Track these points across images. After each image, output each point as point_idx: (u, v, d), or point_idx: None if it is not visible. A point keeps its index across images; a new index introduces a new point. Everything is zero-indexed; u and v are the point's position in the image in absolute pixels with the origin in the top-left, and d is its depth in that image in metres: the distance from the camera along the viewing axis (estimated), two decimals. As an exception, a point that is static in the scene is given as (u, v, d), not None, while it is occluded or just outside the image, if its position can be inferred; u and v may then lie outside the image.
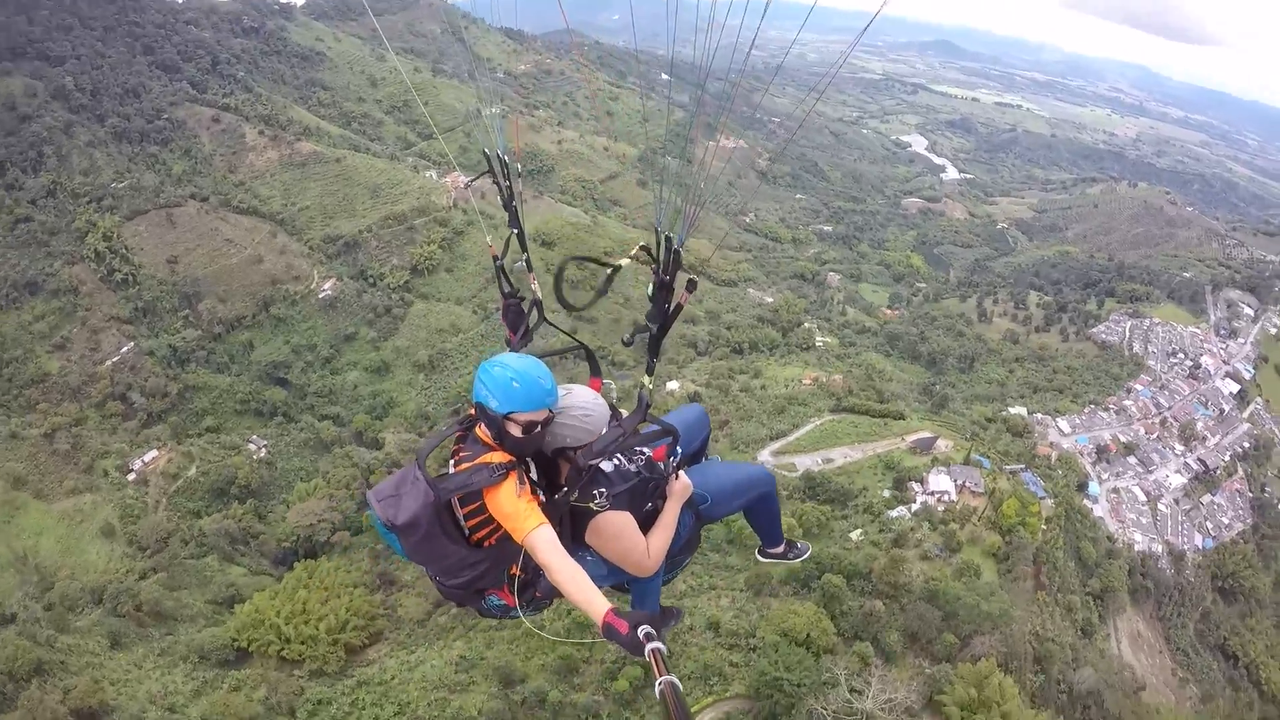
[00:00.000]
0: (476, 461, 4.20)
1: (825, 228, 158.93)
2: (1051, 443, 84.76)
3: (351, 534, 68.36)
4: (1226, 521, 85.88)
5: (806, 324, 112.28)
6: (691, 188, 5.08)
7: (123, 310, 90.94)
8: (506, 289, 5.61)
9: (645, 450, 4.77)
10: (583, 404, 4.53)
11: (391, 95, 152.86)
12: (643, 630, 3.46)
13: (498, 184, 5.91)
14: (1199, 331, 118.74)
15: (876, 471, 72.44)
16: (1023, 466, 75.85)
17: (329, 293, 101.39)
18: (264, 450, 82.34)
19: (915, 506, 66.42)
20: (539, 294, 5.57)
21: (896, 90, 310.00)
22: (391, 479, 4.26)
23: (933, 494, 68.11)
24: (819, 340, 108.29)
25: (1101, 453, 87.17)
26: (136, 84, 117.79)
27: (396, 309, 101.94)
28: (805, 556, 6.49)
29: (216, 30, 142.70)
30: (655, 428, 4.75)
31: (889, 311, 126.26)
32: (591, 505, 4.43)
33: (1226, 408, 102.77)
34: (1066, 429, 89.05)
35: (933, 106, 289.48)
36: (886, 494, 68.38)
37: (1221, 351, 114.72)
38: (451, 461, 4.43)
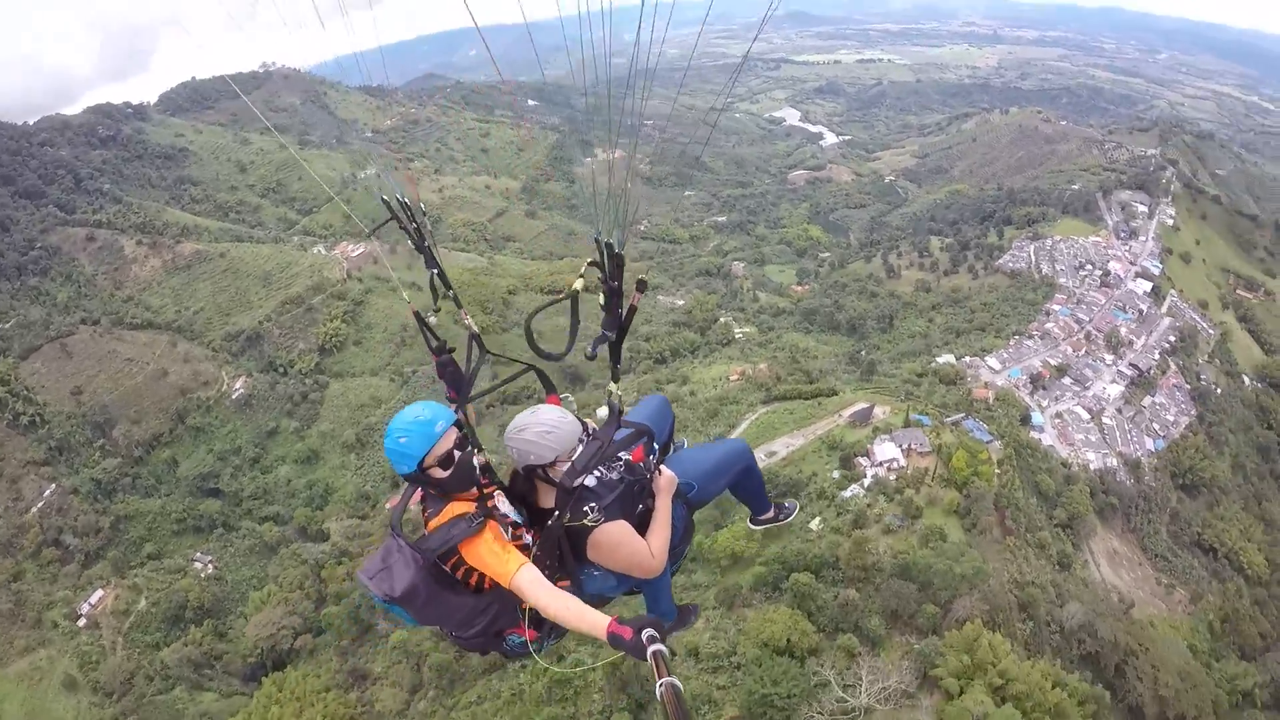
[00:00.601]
0: (446, 516, 4.43)
1: (719, 219, 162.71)
2: (985, 383, 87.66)
3: (314, 636, 68.86)
4: (1172, 419, 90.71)
5: (722, 319, 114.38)
6: (621, 192, 5.33)
7: (37, 453, 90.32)
8: (434, 344, 5.55)
9: (623, 455, 4.96)
10: (546, 421, 4.64)
11: (263, 178, 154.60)
12: (646, 633, 3.67)
13: (404, 229, 5.90)
14: (1100, 239, 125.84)
15: (821, 454, 73.46)
16: (963, 415, 78.26)
17: (242, 391, 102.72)
18: (210, 566, 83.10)
19: (867, 481, 67.56)
20: (474, 327, 5.68)
21: (760, 69, 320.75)
22: (376, 555, 4.38)
23: (881, 464, 69.31)
24: (738, 332, 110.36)
25: (1036, 381, 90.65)
26: (2, 217, 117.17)
27: (313, 394, 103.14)
28: (795, 513, 6.86)
29: (73, 146, 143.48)
30: (629, 431, 5.06)
31: (799, 288, 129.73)
32: (586, 522, 4.57)
33: (1144, 308, 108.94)
34: (997, 366, 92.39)
35: (798, 77, 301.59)
36: (836, 475, 69.29)
37: (1127, 254, 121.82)
38: (424, 521, 4.61)
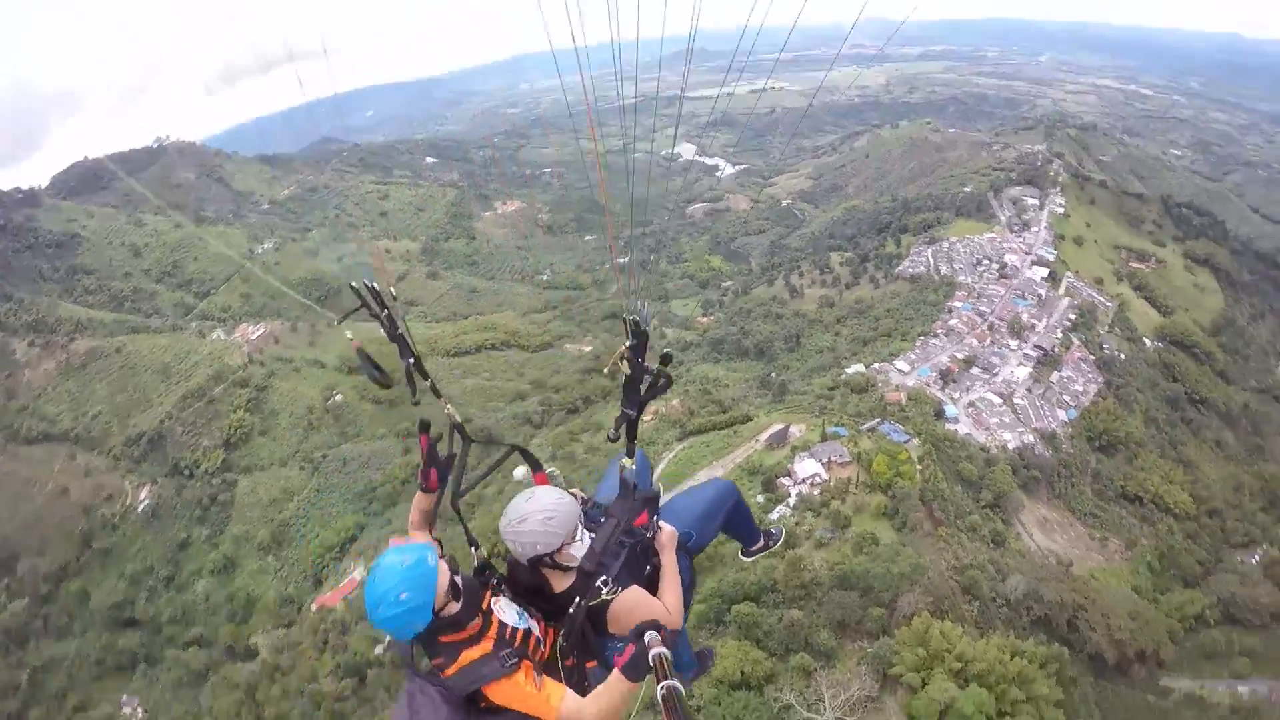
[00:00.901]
0: (465, 661, 4.23)
1: (621, 260, 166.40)
2: (897, 386, 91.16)
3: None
4: (1080, 389, 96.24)
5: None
6: (645, 269, 6.29)
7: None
8: (377, 376, 5.49)
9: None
10: (546, 506, 4.61)
11: (159, 260, 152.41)
12: (647, 635, 3.91)
13: (377, 318, 5.58)
14: (995, 235, 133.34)
15: (742, 481, 73.85)
16: (878, 420, 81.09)
17: (148, 502, 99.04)
18: (140, 711, 79.01)
19: (792, 500, 69.55)
20: (457, 417, 5.55)
21: (656, 107, 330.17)
22: (400, 707, 4.10)
23: (804, 481, 71.42)
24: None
25: (946, 376, 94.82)
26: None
27: (222, 495, 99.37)
28: (782, 536, 7.12)
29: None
30: (637, 502, 5.15)
31: (705, 319, 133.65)
32: (603, 596, 4.61)
33: (1043, 292, 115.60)
34: (906, 368, 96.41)
35: (693, 113, 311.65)
36: (760, 499, 70.59)
37: (1022, 245, 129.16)
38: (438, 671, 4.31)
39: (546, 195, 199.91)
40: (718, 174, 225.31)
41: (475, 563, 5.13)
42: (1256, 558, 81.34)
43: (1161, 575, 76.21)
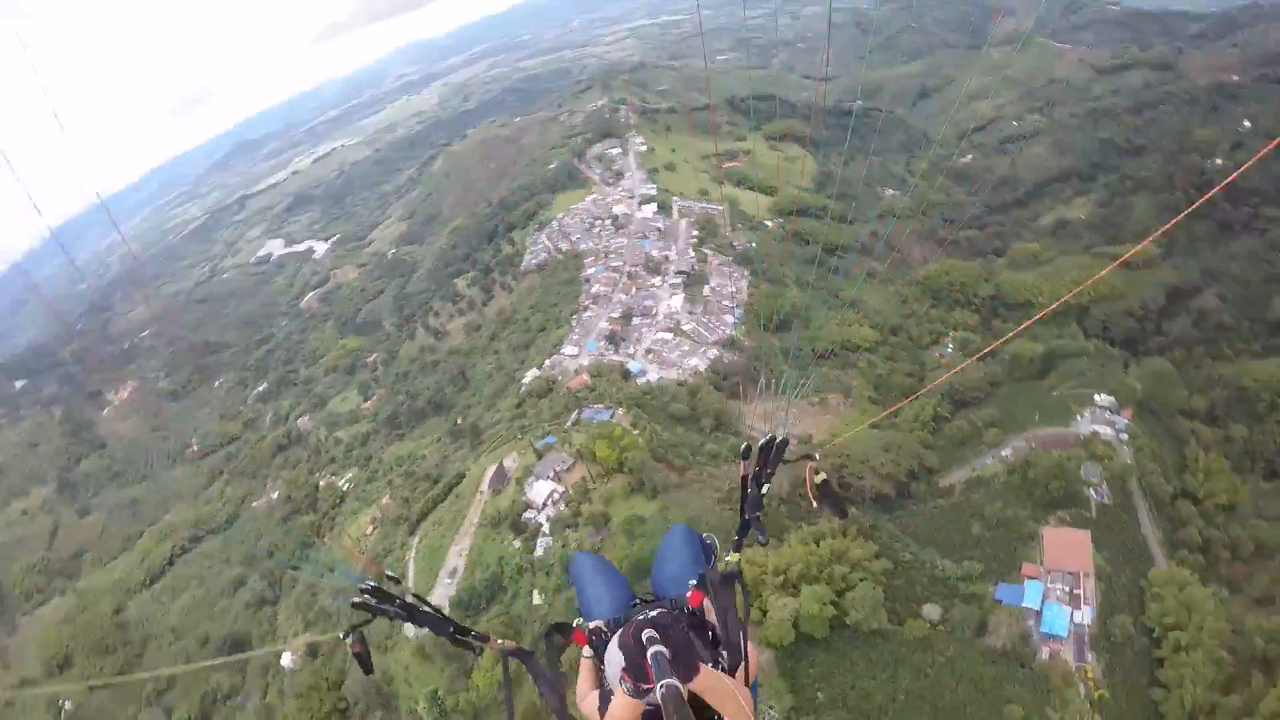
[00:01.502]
0: None
1: (260, 387, 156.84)
2: (575, 370, 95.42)
3: None
4: (734, 288, 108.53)
5: (322, 482, 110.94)
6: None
7: None
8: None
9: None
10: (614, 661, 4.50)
11: None
12: (646, 634, 4.04)
13: (391, 614, 5.46)
14: (595, 194, 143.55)
15: (492, 537, 74.00)
16: (576, 411, 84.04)
17: None
18: None
19: (546, 529, 70.46)
20: (510, 645, 5.88)
21: (227, 217, 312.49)
22: None
23: (545, 505, 72.37)
24: (344, 483, 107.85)
25: (613, 339, 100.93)
26: None
27: None
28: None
29: None
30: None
31: (369, 404, 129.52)
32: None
33: (661, 225, 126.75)
34: (574, 350, 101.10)
35: (265, 206, 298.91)
36: (517, 545, 70.79)
37: (624, 193, 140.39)
38: None
39: (154, 361, 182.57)
40: (314, 256, 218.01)
41: None
42: (950, 347, 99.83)
43: (887, 400, 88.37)
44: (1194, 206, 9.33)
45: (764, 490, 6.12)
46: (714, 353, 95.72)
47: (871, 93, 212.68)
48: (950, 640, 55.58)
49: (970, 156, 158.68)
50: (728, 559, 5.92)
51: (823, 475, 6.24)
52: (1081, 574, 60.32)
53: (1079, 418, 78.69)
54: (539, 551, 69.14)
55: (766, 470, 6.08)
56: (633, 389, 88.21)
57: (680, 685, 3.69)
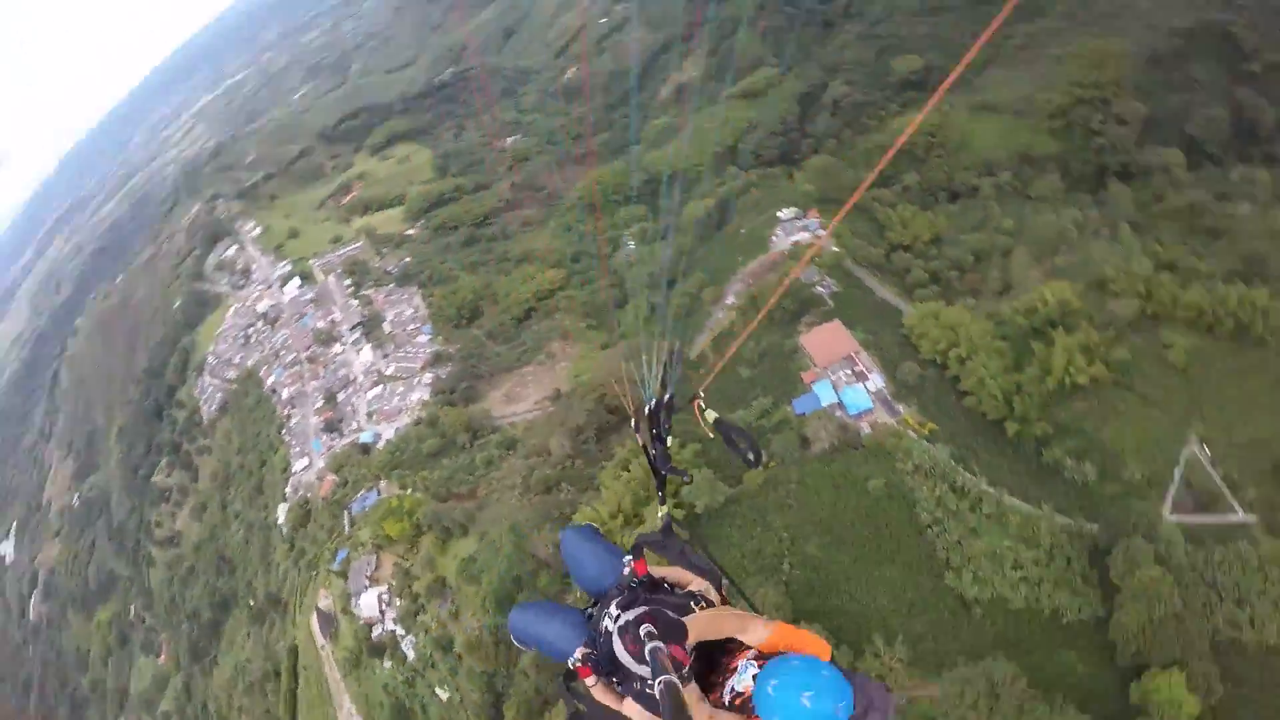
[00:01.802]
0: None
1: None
2: (317, 478, 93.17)
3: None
4: (412, 309, 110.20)
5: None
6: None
7: None
8: None
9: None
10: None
11: None
12: (644, 630, 4.56)
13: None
14: (236, 305, 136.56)
15: (363, 679, 72.82)
16: (344, 512, 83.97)
17: None
18: None
19: (398, 631, 71.29)
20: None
21: None
22: None
23: (381, 613, 73.05)
24: None
25: (331, 426, 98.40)
26: None
27: None
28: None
29: None
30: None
31: (163, 657, 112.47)
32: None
33: (311, 294, 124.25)
34: (304, 462, 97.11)
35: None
36: (388, 665, 71.05)
37: (262, 287, 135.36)
38: None
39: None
40: (7, 562, 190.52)
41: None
42: (632, 243, 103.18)
43: (602, 322, 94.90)
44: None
45: (667, 444, 6.81)
46: (429, 376, 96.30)
47: (457, 57, 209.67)
48: (788, 468, 61.06)
49: (573, 69, 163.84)
50: (660, 514, 6.59)
51: (713, 413, 6.89)
52: (853, 353, 68.85)
53: (774, 238, 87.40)
54: (410, 655, 69.07)
55: (660, 429, 6.71)
56: (379, 457, 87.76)
57: (678, 681, 3.96)
